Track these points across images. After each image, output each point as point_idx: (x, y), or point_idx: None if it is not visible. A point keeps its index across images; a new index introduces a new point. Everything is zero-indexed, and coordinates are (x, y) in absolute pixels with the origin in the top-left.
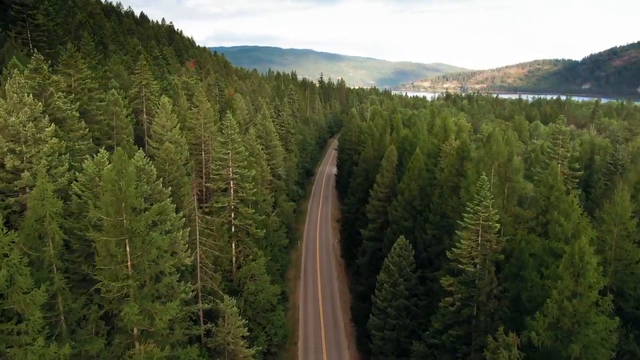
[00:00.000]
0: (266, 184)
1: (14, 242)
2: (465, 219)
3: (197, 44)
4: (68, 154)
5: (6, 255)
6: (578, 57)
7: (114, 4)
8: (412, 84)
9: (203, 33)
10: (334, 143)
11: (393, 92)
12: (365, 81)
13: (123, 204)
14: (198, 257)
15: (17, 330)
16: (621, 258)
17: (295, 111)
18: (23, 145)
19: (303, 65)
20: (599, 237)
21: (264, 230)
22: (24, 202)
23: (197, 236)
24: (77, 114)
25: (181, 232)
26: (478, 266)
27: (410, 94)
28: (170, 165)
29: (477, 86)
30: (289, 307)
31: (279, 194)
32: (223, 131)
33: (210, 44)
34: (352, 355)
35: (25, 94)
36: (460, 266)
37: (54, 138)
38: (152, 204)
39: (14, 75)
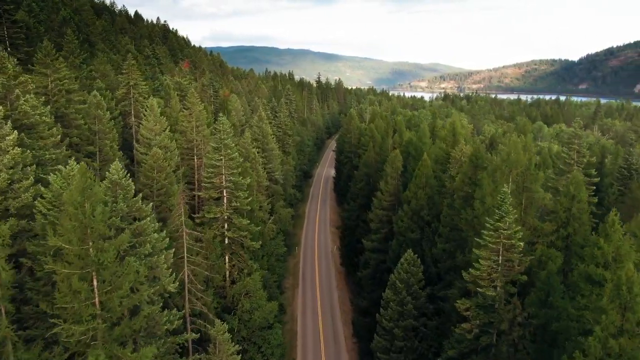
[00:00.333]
0: (263, 190)
1: None
2: (484, 236)
3: (193, 44)
4: (34, 165)
5: None
6: (574, 57)
7: (107, 2)
8: (409, 84)
9: (200, 33)
10: (332, 144)
11: (390, 93)
12: (362, 81)
13: (88, 230)
14: (186, 277)
15: None
16: None
17: (293, 112)
18: None
19: (300, 65)
20: None
21: (260, 242)
22: None
23: (185, 254)
24: (51, 119)
25: (164, 255)
26: (499, 289)
27: (407, 94)
28: (158, 172)
29: (474, 86)
30: (286, 320)
31: (276, 199)
32: (215, 135)
33: (208, 44)
34: None
35: None
36: (478, 289)
37: (16, 148)
38: (131, 224)
39: None
